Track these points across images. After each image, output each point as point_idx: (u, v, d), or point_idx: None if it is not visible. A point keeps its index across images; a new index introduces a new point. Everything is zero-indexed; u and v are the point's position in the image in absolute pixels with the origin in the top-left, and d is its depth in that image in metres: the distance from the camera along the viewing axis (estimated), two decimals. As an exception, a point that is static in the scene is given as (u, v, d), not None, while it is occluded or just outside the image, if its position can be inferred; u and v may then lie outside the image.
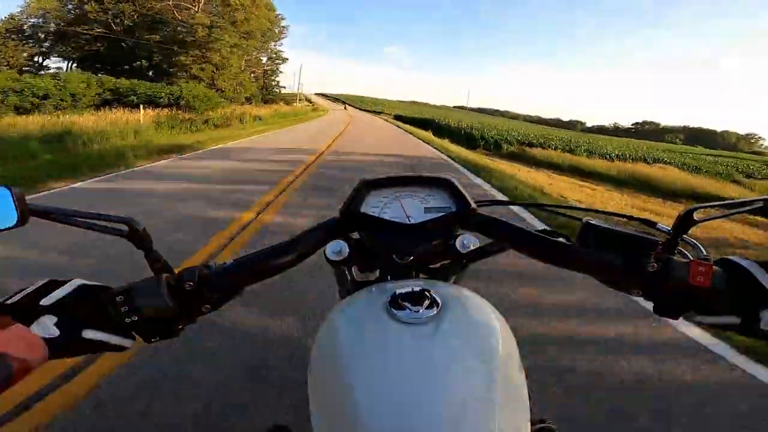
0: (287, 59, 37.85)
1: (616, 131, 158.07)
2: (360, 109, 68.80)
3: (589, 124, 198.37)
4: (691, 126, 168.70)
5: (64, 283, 0.38)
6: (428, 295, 0.40)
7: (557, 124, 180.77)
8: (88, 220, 0.39)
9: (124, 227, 0.39)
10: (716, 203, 0.43)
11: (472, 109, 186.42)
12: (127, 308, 0.38)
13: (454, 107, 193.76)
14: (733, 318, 0.38)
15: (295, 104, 39.36)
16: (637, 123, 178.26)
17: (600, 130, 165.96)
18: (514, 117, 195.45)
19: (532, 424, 0.55)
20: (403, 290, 0.41)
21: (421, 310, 0.39)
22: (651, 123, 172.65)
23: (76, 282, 0.39)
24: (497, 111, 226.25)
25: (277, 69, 38.71)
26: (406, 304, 0.39)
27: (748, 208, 0.41)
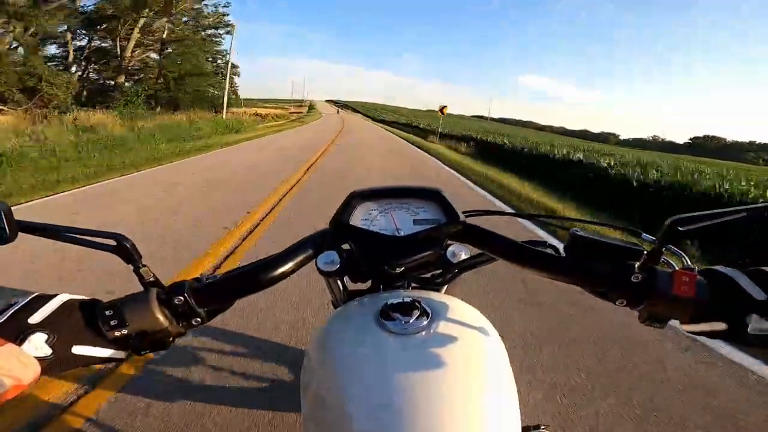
0: (233, 26, 19.11)
1: (667, 147, 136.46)
2: (373, 119, 47.41)
3: (623, 137, 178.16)
4: (759, 141, 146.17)
5: (50, 298, 0.38)
6: (418, 305, 0.42)
7: (584, 135, 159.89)
8: (76, 236, 0.40)
9: (113, 242, 0.40)
10: (700, 213, 0.41)
11: (493, 120, 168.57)
12: (117, 322, 0.38)
13: (472, 117, 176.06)
14: (720, 324, 0.38)
15: (232, 111, 19.97)
16: (696, 137, 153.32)
17: (638, 143, 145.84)
18: (540, 128, 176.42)
19: (526, 430, 0.58)
20: (394, 301, 0.42)
21: (411, 321, 0.40)
22: (714, 138, 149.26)
23: (63, 297, 0.38)
24: (520, 121, 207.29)
25: (214, 40, 21.32)
26: (397, 314, 0.41)
27: (731, 217, 0.41)
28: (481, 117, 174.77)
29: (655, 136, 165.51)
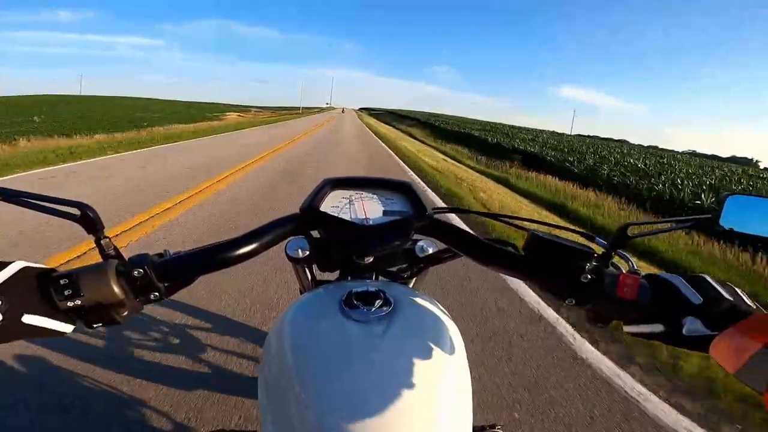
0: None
1: None
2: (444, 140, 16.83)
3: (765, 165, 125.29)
4: None
5: (6, 264, 0.36)
6: (382, 295, 0.43)
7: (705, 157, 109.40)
8: (37, 202, 0.39)
9: (76, 211, 0.39)
10: (650, 221, 0.45)
11: (577, 136, 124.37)
12: (71, 292, 0.37)
13: (554, 132, 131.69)
14: (658, 326, 0.39)
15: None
16: None
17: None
18: (646, 149, 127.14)
19: (481, 430, 0.62)
20: (359, 289, 0.44)
21: (373, 309, 0.41)
22: None
23: (20, 264, 0.37)
24: (610, 139, 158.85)
25: None
26: (360, 303, 0.42)
27: (679, 226, 0.43)
28: (554, 132, 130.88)
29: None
